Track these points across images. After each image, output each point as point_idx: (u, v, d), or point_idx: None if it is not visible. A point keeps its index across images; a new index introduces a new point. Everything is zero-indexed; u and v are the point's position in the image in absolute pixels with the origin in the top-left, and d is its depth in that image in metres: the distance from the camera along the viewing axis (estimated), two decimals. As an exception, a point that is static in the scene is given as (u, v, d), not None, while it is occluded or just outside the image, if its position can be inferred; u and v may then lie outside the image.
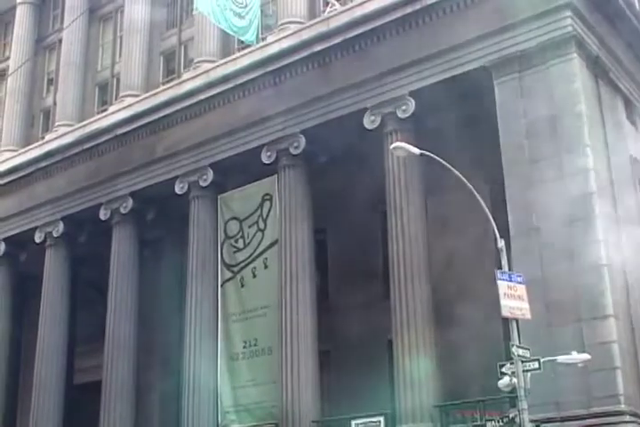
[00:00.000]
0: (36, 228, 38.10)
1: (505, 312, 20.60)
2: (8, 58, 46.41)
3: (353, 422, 26.38)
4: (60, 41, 43.19)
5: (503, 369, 20.61)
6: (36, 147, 39.71)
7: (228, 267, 31.65)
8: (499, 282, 20.79)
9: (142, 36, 38.44)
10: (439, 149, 23.78)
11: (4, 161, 40.96)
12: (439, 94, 27.26)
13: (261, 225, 31.19)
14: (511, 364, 20.45)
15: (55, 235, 37.24)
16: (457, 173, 21.80)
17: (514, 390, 20.40)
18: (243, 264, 31.26)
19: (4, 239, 39.55)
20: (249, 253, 31.17)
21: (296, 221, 29.74)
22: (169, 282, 34.84)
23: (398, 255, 26.70)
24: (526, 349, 20.55)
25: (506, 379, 20.55)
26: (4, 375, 38.86)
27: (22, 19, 45.48)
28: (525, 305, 20.90)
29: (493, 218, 22.05)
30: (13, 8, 46.25)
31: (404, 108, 27.78)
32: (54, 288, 37.03)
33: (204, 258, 31.83)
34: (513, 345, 20.37)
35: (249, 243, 31.30)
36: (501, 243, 21.86)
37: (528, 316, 20.88)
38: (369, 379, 27.63)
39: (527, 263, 23.59)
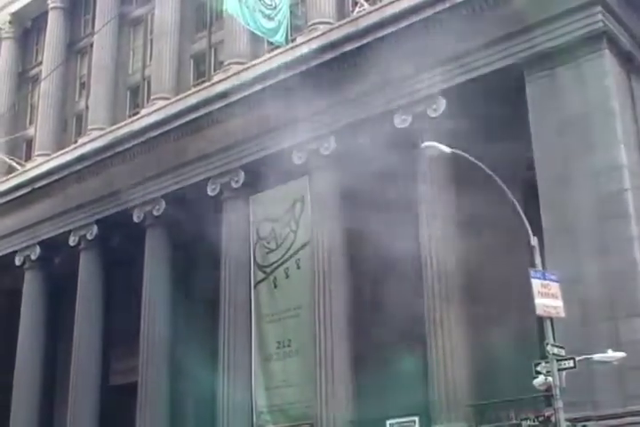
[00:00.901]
0: (70, 231, 38.40)
1: (539, 311, 20.49)
2: (40, 63, 46.78)
3: (387, 422, 26.38)
4: (92, 45, 43.47)
5: (538, 368, 20.52)
6: (69, 151, 39.99)
7: (261, 268, 31.72)
8: (532, 280, 20.68)
9: (172, 40, 38.62)
10: (471, 148, 23.71)
11: (37, 165, 41.27)
12: (470, 93, 27.17)
13: (293, 226, 31.22)
14: (546, 363, 20.36)
15: (89, 238, 37.52)
16: (488, 170, 21.71)
17: (549, 388, 20.33)
18: (275, 265, 31.33)
19: (39, 243, 39.89)
20: (281, 254, 31.23)
21: (328, 222, 29.74)
22: (202, 284, 34.93)
23: (430, 254, 26.65)
24: (561, 347, 20.44)
25: (541, 378, 20.46)
26: (41, 377, 39.17)
27: (54, 24, 45.84)
28: (560, 303, 20.79)
29: (526, 216, 21.95)
30: (45, 13, 46.61)
31: (434, 106, 27.70)
32: (89, 290, 37.32)
33: (237, 259, 31.93)
34: (548, 344, 20.27)
35: (281, 244, 31.36)
36: (534, 241, 21.75)
37: (562, 314, 20.77)
38: (403, 378, 27.55)
39: (561, 261, 23.42)
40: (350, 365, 28.33)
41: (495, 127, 27.46)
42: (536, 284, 20.65)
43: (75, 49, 46.02)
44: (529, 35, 25.89)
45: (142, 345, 33.88)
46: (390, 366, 28.04)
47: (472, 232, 27.44)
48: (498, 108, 27.20)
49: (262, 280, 31.60)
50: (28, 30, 49.29)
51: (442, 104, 27.59)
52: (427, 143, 23.86)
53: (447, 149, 22.83)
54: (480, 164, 21.97)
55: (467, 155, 22.38)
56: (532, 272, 20.86)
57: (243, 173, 32.44)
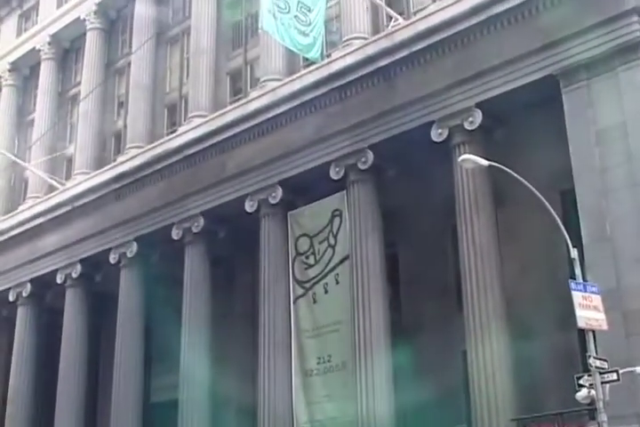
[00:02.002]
0: (110, 249, 38.70)
1: (581, 323, 20.34)
2: (79, 83, 47.31)
3: (430, 437, 26.25)
4: (129, 64, 43.91)
5: (581, 381, 20.34)
6: (108, 169, 40.36)
7: (300, 283, 31.74)
8: (573, 292, 20.55)
9: (208, 57, 38.91)
10: (508, 160, 23.65)
11: (77, 184, 41.68)
12: (506, 105, 27.12)
13: (332, 241, 31.23)
14: (589, 376, 20.17)
15: (129, 255, 37.78)
16: (526, 183, 21.63)
17: (592, 402, 20.11)
18: (314, 280, 31.33)
19: (80, 260, 40.23)
20: (320, 269, 31.23)
21: (366, 236, 29.73)
22: (242, 299, 35.04)
23: (470, 267, 26.52)
24: (604, 360, 20.25)
25: (584, 391, 20.26)
26: (83, 394, 39.39)
27: (92, 44, 46.40)
28: (601, 315, 20.61)
29: (565, 228, 21.82)
30: (83, 34, 47.20)
31: (470, 119, 27.62)
32: (129, 308, 37.55)
33: (276, 275, 31.99)
34: (590, 356, 20.09)
35: (320, 259, 31.36)
36: (574, 253, 21.61)
37: (605, 326, 20.59)
38: (444, 392, 27.41)
39: (601, 273, 23.21)
40: (391, 379, 28.21)
41: (532, 139, 27.39)
42: (577, 296, 20.51)
43: (113, 69, 46.52)
44: (564, 46, 25.74)
45: (183, 361, 33.98)
46: (431, 380, 27.88)
47: (512, 245, 27.33)
48: (535, 119, 27.14)
49: (301, 296, 31.62)
50: (67, 51, 49.96)
51: (478, 117, 27.50)
52: (464, 156, 23.89)
53: (484, 162, 22.79)
54: (518, 176, 21.87)
55: (504, 167, 22.30)
56: (572, 284, 20.72)
57: (280, 189, 32.53)
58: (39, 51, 49.64)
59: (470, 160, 23.38)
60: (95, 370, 40.80)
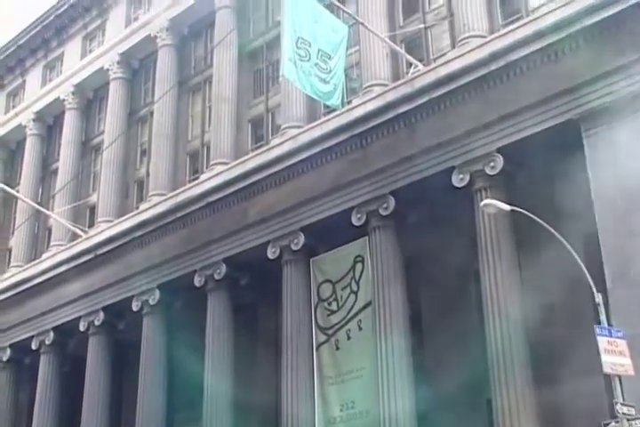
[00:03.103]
0: (132, 296, 38.74)
1: (606, 369, 20.15)
2: (103, 132, 47.84)
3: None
4: (152, 113, 44.34)
5: (607, 428, 20.10)
6: (130, 217, 40.56)
7: (323, 330, 31.60)
8: (598, 338, 20.40)
9: (230, 105, 39.28)
10: (530, 204, 23.61)
11: (100, 232, 41.90)
12: (528, 149, 27.13)
13: (354, 287, 31.15)
14: (616, 422, 19.94)
15: (152, 302, 37.78)
16: (549, 227, 21.57)
17: (621, 448, 19.83)
18: (337, 327, 31.18)
19: (103, 308, 40.28)
20: (343, 316, 31.10)
21: (389, 282, 29.65)
22: (264, 346, 34.90)
23: (493, 313, 26.33)
24: (631, 406, 20.00)
25: (612, 437, 20.02)
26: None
27: (115, 93, 46.98)
28: (627, 361, 20.42)
29: (589, 272, 21.70)
30: (106, 84, 47.81)
31: (492, 164, 27.64)
32: (152, 356, 37.44)
33: (299, 321, 31.88)
34: (617, 403, 19.85)
35: (342, 305, 31.25)
36: (599, 297, 21.47)
37: (631, 372, 20.38)
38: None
39: (627, 317, 22.92)
40: (415, 425, 27.92)
41: (554, 182, 27.36)
42: (602, 341, 20.35)
43: (135, 117, 47.01)
44: (585, 90, 25.77)
45: (206, 410, 33.78)
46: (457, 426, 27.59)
47: (535, 290, 27.14)
48: (556, 163, 27.14)
49: (324, 342, 31.45)
50: (90, 101, 50.58)
51: (499, 162, 27.52)
52: (485, 201, 23.91)
53: (506, 207, 22.80)
54: (540, 220, 21.82)
55: (526, 212, 22.27)
56: (597, 329, 20.56)
57: (302, 236, 32.57)
58: (63, 100, 50.27)
59: (492, 205, 23.42)
60: (118, 418, 40.58)
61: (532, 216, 22.45)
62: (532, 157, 27.27)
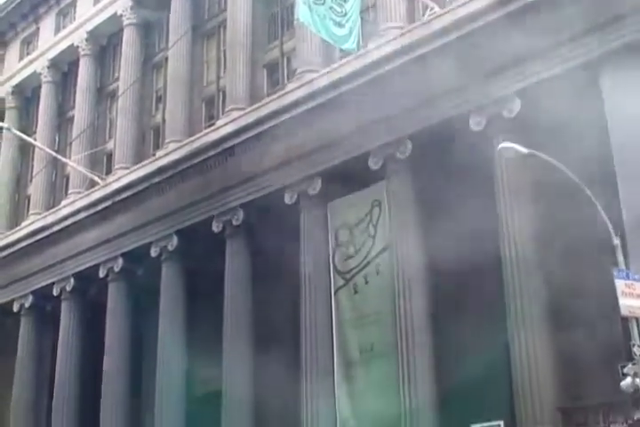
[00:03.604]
0: (151, 242, 38.97)
1: (624, 311, 20.21)
2: (117, 79, 47.63)
3: (472, 427, 26.19)
4: (167, 59, 44.07)
5: (625, 370, 20.19)
6: (147, 164, 40.61)
7: (341, 274, 31.78)
8: (616, 280, 20.42)
9: (245, 50, 38.93)
10: (547, 149, 23.45)
11: (117, 179, 41.99)
12: (545, 92, 26.85)
13: (371, 231, 31.22)
14: (633, 364, 20.01)
15: (170, 249, 38.01)
16: (565, 169, 21.45)
17: (637, 390, 19.94)
18: (355, 271, 31.35)
19: (122, 255, 40.57)
20: (360, 260, 31.24)
21: (406, 226, 29.70)
22: (283, 291, 35.11)
23: (511, 256, 26.39)
24: (648, 348, 20.08)
25: (628, 380, 20.11)
26: (127, 387, 39.78)
27: (129, 40, 46.62)
28: (645, 303, 20.44)
29: (607, 216, 21.62)
30: (120, 31, 47.46)
31: (509, 107, 27.43)
32: (171, 301, 37.81)
33: (317, 266, 32.05)
34: (634, 345, 19.92)
35: (360, 249, 31.37)
36: (617, 240, 21.44)
37: (648, 314, 20.40)
38: (486, 383, 27.29)
39: (645, 260, 22.94)
40: (433, 369, 28.20)
41: (571, 126, 27.09)
42: (620, 284, 20.38)
43: (150, 64, 46.72)
44: (604, 30, 25.42)
45: (225, 354, 34.18)
46: (474, 370, 27.79)
47: (554, 233, 27.09)
48: (574, 107, 26.84)
49: (342, 286, 31.66)
50: (104, 47, 50.27)
51: (517, 105, 27.30)
52: (503, 145, 23.75)
53: (524, 150, 22.66)
54: (557, 163, 21.69)
55: (543, 155, 22.13)
56: (615, 272, 20.56)
57: (319, 180, 32.57)
58: (77, 47, 49.99)
59: (510, 149, 23.25)
60: (139, 363, 41.09)
61: (550, 160, 22.31)
62: (549, 100, 26.97)
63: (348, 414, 30.27)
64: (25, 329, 46.83)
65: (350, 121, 31.60)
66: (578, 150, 25.92)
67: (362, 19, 32.50)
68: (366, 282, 30.90)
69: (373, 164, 30.93)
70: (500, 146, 23.97)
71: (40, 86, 52.80)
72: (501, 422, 25.62)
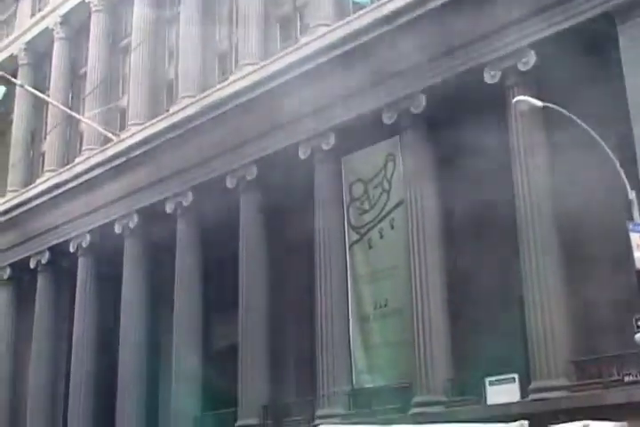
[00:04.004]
0: (166, 198, 39.06)
1: (638, 264, 20.20)
2: (130, 34, 47.32)
3: (487, 380, 26.31)
4: (179, 14, 43.73)
5: (639, 323, 20.21)
6: (161, 119, 40.53)
7: (355, 229, 31.83)
8: (631, 234, 20.41)
9: (258, 4, 38.57)
10: (563, 103, 23.28)
11: (131, 135, 41.97)
12: (561, 45, 26.57)
13: (386, 186, 31.21)
14: (647, 318, 20.06)
15: (185, 204, 38.11)
16: (582, 123, 21.32)
17: (651, 343, 20.02)
18: (369, 226, 31.39)
19: (137, 211, 40.70)
20: (375, 215, 31.28)
21: (421, 181, 29.69)
22: (297, 246, 35.23)
23: (526, 209, 26.36)
24: (663, 301, 20.11)
25: (642, 332, 20.17)
26: (144, 342, 40.13)
27: (142, -5, 46.28)
28: (659, 257, 20.41)
29: (624, 170, 21.53)
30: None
31: (524, 60, 27.21)
32: (187, 257, 37.98)
33: (331, 221, 32.12)
34: (648, 298, 19.96)
35: (374, 204, 31.39)
36: (632, 194, 21.36)
37: (662, 267, 20.39)
38: (501, 336, 27.44)
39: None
40: (447, 323, 28.36)
41: (587, 80, 26.86)
42: (634, 237, 20.37)
43: (163, 19, 46.33)
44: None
45: (241, 308, 34.40)
46: (488, 323, 27.93)
47: (568, 187, 27.00)
48: (590, 60, 26.59)
49: (357, 241, 31.73)
50: (116, 3, 49.85)
51: (532, 58, 27.06)
52: (518, 98, 23.61)
53: (538, 103, 22.51)
54: (572, 116, 21.55)
55: (558, 107, 21.98)
56: (630, 226, 20.53)
57: (333, 135, 32.49)
58: (89, 3, 49.60)
59: (525, 101, 23.11)
60: (156, 317, 41.42)
61: (565, 112, 22.17)
62: (565, 53, 26.69)
63: (363, 367, 30.51)
64: (42, 285, 47.20)
65: (365, 75, 31.40)
66: (594, 105, 25.74)
67: (376, -30, 32.15)
68: (381, 237, 30.95)
69: (387, 118, 30.80)
70: (515, 99, 23.82)
71: (53, 42, 52.56)
72: (516, 376, 25.75)
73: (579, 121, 22.02)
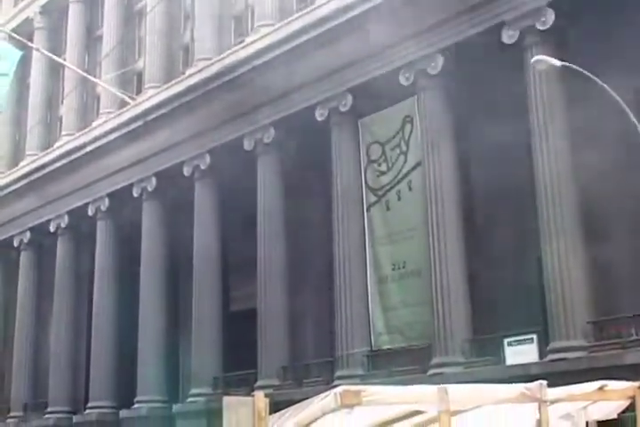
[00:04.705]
0: (183, 161, 39.09)
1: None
2: (145, -3, 47.09)
3: (505, 340, 26.38)
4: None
5: (658, 282, 20.21)
6: (178, 82, 40.42)
7: (373, 191, 31.80)
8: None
9: (274, -35, 38.23)
10: (582, 63, 23.04)
11: (148, 98, 41.89)
12: (581, 4, 26.25)
13: (404, 147, 31.10)
14: (666, 276, 20.02)
15: (202, 167, 38.12)
16: (601, 82, 21.12)
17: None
18: (387, 187, 31.35)
19: (155, 174, 40.76)
20: (393, 176, 31.21)
21: (439, 142, 29.52)
22: (315, 209, 35.25)
23: (544, 171, 26.22)
24: (682, 261, 20.05)
25: (661, 292, 20.16)
26: (164, 304, 40.46)
27: (156, -43, 45.88)
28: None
29: (641, 128, 21.34)
30: (145, -52, 46.71)
31: (543, 19, 26.89)
32: (205, 220, 38.08)
33: (349, 183, 32.07)
34: (667, 257, 19.90)
35: (392, 166, 31.31)
36: (651, 153, 21.20)
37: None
38: (519, 297, 27.50)
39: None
40: (466, 284, 28.39)
41: (608, 40, 26.57)
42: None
43: (178, -19, 46.06)
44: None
45: (260, 270, 34.54)
46: (506, 284, 27.97)
47: (587, 149, 26.84)
48: (611, 18, 26.29)
49: (375, 203, 31.72)
50: (130, -35, 49.59)
51: (550, 16, 26.74)
52: (536, 57, 23.40)
53: (557, 63, 22.30)
54: (592, 75, 21.35)
55: (577, 67, 21.77)
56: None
57: (350, 97, 32.34)
58: (104, -35, 49.37)
59: (543, 61, 22.90)
60: (176, 280, 41.69)
61: (584, 71, 21.94)
62: (585, 12, 26.39)
63: (382, 329, 30.65)
64: (62, 249, 47.49)
65: (381, 35, 31.03)
66: (614, 65, 25.48)
67: None
68: (399, 198, 30.92)
69: (404, 79, 30.60)
70: (534, 59, 23.59)
71: (68, 5, 52.31)
72: (534, 336, 25.81)
73: (596, 79, 21.80)
